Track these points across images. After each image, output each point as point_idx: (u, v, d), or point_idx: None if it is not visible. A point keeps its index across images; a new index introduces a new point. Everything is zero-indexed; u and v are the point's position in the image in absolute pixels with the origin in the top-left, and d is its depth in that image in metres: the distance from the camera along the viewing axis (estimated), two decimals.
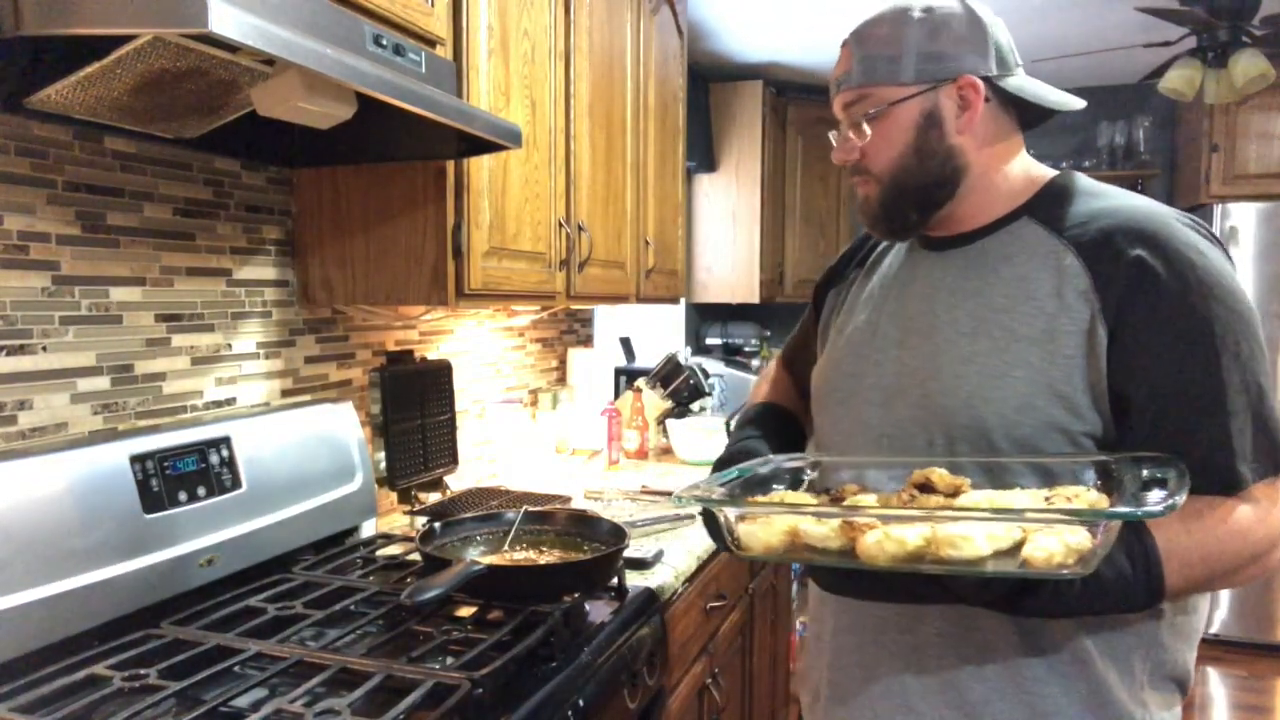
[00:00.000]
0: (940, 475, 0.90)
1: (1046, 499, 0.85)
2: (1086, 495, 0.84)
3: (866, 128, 1.01)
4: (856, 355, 1.10)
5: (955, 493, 0.88)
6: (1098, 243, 0.95)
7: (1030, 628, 0.94)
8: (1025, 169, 1.05)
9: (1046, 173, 1.06)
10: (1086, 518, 0.77)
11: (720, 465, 1.12)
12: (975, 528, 0.78)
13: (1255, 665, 3.60)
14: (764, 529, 0.89)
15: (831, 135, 1.09)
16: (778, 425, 1.24)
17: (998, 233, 1.03)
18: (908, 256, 1.12)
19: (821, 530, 0.85)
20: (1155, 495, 0.77)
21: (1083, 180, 1.04)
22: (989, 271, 1.01)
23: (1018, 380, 0.94)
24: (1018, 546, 0.78)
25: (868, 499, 0.93)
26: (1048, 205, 1.02)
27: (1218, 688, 3.49)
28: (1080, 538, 0.76)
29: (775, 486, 1.04)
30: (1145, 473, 0.83)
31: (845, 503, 0.93)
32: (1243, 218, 3.81)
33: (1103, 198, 1.01)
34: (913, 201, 1.03)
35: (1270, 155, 3.91)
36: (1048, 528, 0.77)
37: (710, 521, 0.96)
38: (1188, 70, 3.05)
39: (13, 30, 0.97)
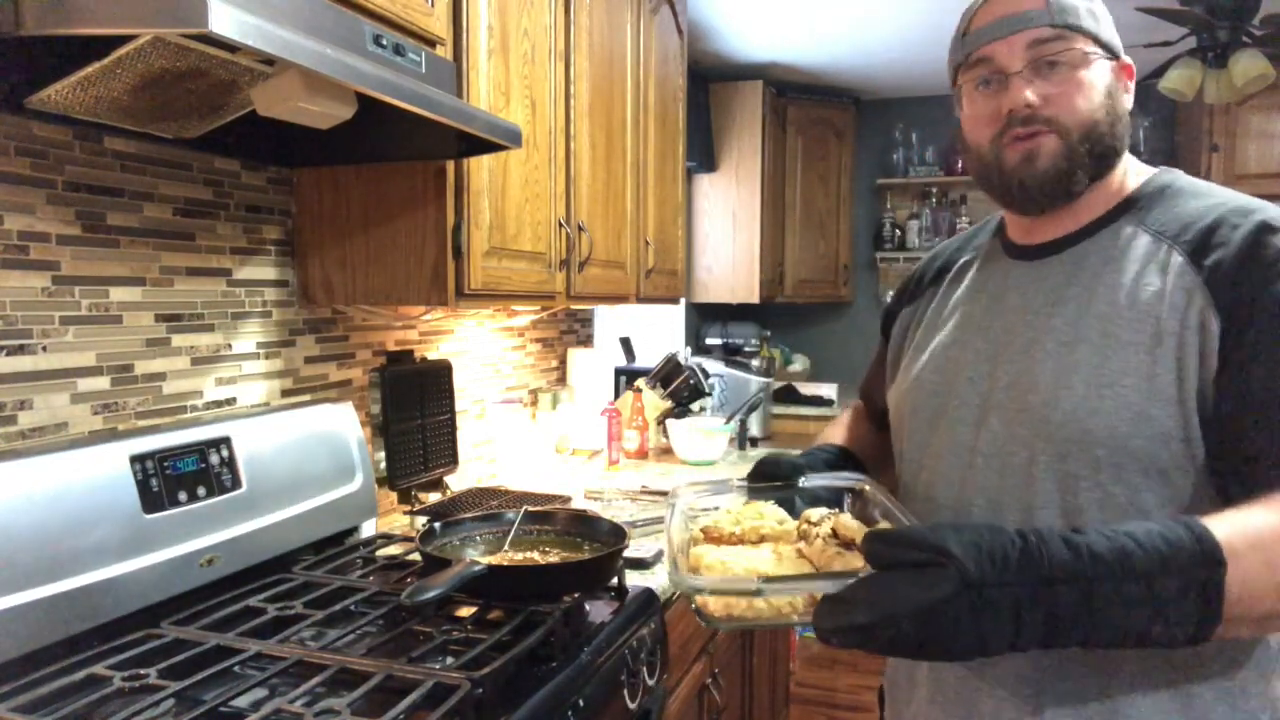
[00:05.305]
0: (843, 524, 0.90)
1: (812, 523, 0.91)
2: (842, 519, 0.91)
3: (1061, 73, 0.94)
4: (943, 373, 1.05)
5: (852, 544, 0.89)
6: (1203, 236, 0.90)
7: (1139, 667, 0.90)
8: (1131, 168, 1.01)
9: (1145, 170, 1.02)
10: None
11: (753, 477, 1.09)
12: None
13: None
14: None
15: (972, 84, 0.98)
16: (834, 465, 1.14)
17: (1096, 235, 0.98)
18: (995, 268, 1.07)
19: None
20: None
21: (1185, 179, 1.00)
22: (1091, 278, 0.95)
23: (1127, 389, 0.88)
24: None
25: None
26: (1149, 206, 0.97)
27: None
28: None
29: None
30: None
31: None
32: None
33: (1209, 196, 0.96)
34: (1090, 162, 0.95)
35: (1270, 155, 3.91)
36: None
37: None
38: (1188, 70, 3.05)
39: (13, 30, 0.97)
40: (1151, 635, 0.74)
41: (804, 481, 1.05)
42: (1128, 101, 0.99)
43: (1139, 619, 0.72)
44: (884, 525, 0.93)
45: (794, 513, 1.00)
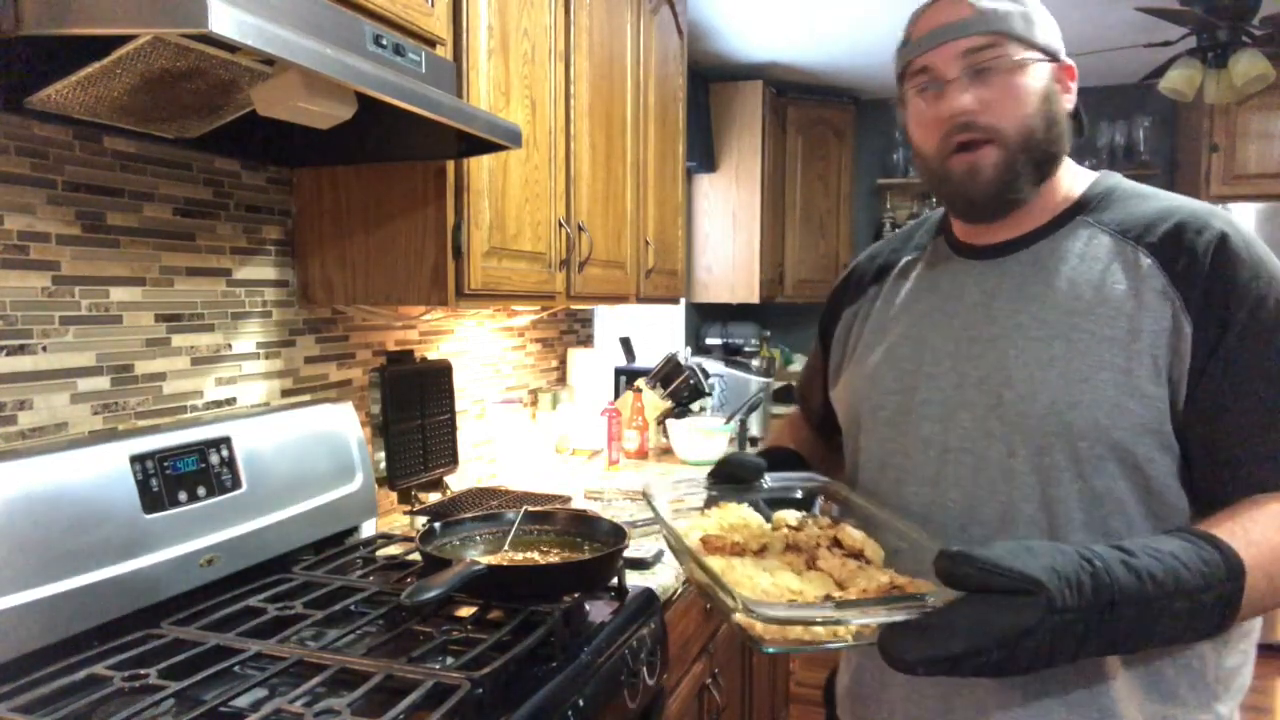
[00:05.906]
0: (849, 535, 0.90)
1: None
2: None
3: (996, 78, 0.95)
4: (901, 371, 1.06)
5: (859, 554, 0.89)
6: (1169, 240, 0.93)
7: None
8: (1072, 171, 1.04)
9: (1088, 174, 1.04)
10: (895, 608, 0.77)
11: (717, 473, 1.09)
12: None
13: (1256, 666, 3.60)
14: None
15: (914, 90, 1.01)
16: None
17: (1052, 236, 1.00)
18: (945, 267, 1.08)
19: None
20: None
21: (1127, 182, 1.03)
22: (1052, 275, 0.97)
23: (1104, 383, 0.90)
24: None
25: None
26: (1100, 208, 1.00)
27: None
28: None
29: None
30: None
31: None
32: (1243, 218, 3.80)
33: (1155, 199, 0.99)
34: (1031, 170, 0.97)
35: (1270, 155, 3.91)
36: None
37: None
38: (1188, 70, 3.05)
39: (13, 30, 0.97)
40: (1182, 639, 0.82)
41: (767, 481, 1.07)
42: (1068, 103, 1.00)
43: (1178, 629, 0.79)
44: (853, 523, 0.95)
45: (761, 512, 1.02)
